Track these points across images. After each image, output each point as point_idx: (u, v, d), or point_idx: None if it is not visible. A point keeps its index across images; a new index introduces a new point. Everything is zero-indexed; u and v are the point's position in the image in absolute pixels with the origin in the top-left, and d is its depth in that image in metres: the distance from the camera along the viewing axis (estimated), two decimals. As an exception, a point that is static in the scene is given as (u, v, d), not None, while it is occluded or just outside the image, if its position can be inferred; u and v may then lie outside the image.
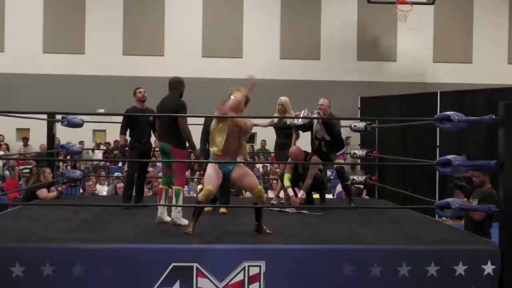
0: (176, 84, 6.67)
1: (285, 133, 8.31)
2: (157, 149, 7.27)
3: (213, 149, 5.84)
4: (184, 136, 6.44)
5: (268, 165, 15.93)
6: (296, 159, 7.92)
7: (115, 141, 17.30)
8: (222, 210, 7.37)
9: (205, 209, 7.35)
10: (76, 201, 9.03)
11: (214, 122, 5.89)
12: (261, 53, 19.60)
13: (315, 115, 7.83)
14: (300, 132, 8.24)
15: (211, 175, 5.79)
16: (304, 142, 8.38)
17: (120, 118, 8.12)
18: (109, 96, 18.51)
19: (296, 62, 19.72)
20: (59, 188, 8.84)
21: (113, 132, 16.25)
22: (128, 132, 8.00)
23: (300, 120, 7.79)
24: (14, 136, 19.20)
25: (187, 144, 6.56)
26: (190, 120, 6.52)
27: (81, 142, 15.69)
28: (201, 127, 7.80)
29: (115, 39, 19.58)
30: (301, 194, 8.02)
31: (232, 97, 5.88)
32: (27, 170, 14.78)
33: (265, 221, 5.90)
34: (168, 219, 6.40)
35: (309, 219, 7.01)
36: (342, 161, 8.19)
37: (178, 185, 6.34)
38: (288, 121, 8.13)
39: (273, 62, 19.58)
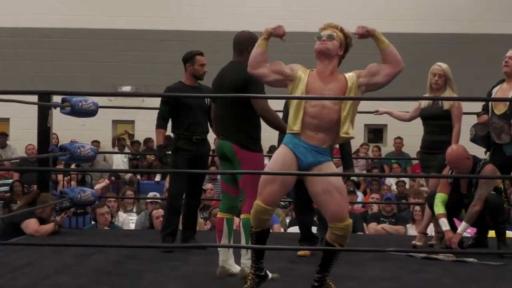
0: (244, 43, 6.55)
1: (440, 125, 8.22)
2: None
3: (288, 128, 5.69)
4: (268, 124, 6.38)
5: (406, 179, 15.82)
6: (456, 167, 7.88)
7: (148, 140, 17.51)
8: (301, 252, 7.45)
9: (299, 252, 7.45)
10: (86, 238, 9.21)
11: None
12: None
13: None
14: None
15: (267, 178, 5.61)
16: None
17: (157, 102, 8.24)
18: (139, 65, 18.83)
19: (463, 3, 19.50)
20: (57, 218, 9.06)
21: (145, 125, 16.45)
22: (170, 125, 8.14)
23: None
24: (-16, 130, 19.79)
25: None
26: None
27: (96, 142, 16.01)
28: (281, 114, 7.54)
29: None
30: (462, 228, 7.99)
31: (322, 34, 5.73)
32: (6, 188, 15.11)
33: (399, 274, 5.88)
34: (236, 269, 6.42)
35: (477, 272, 6.94)
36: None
37: (249, 213, 5.99)
38: (446, 105, 8.06)
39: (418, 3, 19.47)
